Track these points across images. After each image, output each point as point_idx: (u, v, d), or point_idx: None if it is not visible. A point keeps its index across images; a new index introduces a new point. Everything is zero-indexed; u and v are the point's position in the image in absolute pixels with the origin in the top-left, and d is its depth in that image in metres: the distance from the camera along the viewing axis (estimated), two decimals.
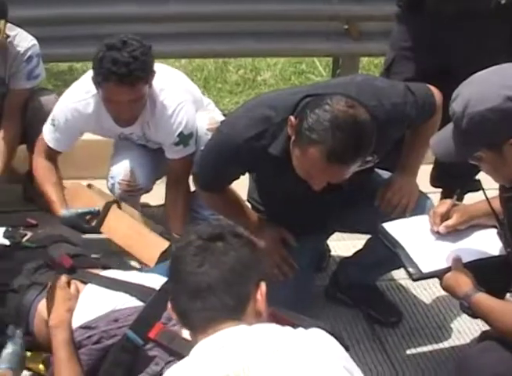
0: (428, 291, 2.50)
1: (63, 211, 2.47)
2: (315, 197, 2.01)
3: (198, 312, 1.29)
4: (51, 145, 2.57)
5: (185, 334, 1.84)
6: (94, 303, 2.00)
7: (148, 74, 2.33)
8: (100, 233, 2.48)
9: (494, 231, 1.95)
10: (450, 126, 1.68)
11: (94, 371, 1.92)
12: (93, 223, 2.48)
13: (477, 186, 2.78)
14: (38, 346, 2.09)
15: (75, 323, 1.97)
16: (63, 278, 2.03)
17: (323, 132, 1.80)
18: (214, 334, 1.26)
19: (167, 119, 2.46)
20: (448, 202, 1.99)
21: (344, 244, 2.62)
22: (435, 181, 2.87)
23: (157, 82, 2.43)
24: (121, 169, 2.58)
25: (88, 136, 2.71)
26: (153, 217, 2.69)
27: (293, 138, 1.92)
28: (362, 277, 2.42)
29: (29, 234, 2.35)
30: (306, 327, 1.81)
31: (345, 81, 2.11)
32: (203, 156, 2.21)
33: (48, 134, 2.57)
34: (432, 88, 2.16)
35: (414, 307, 2.47)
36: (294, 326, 1.46)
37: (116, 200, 2.55)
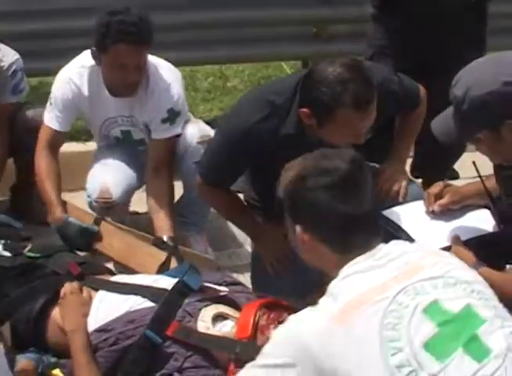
0: None
1: (64, 216, 2.46)
2: None
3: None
4: (51, 125, 2.57)
5: (200, 328, 1.93)
6: (107, 307, 2.03)
7: (152, 37, 2.40)
8: (94, 250, 2.45)
9: (485, 210, 2.07)
10: (450, 110, 1.79)
11: (112, 373, 1.96)
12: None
13: (454, 175, 2.93)
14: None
15: (90, 328, 2.00)
16: (75, 284, 2.06)
17: (337, 93, 1.92)
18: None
19: (159, 93, 2.50)
20: (440, 184, 2.10)
21: None
22: (415, 171, 2.99)
23: (152, 58, 2.50)
24: (97, 187, 2.58)
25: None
26: (142, 224, 2.70)
27: (315, 122, 2.01)
28: None
29: (29, 245, 2.35)
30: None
31: None
32: (211, 151, 2.26)
33: (48, 113, 2.58)
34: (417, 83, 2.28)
35: None
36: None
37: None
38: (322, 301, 1.38)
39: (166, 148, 2.56)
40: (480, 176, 1.97)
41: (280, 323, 1.89)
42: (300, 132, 2.06)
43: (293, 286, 2.31)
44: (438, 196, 2.06)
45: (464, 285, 1.37)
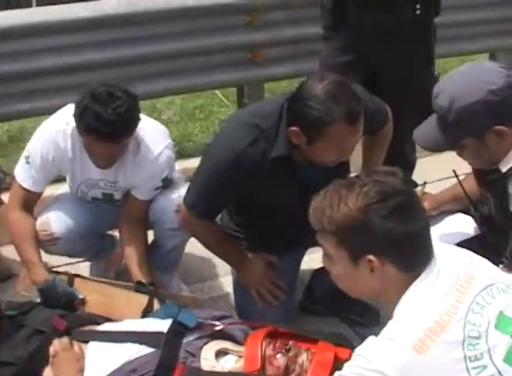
0: None
1: (50, 277, 2.32)
2: (300, 203, 2.09)
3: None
4: (25, 185, 2.40)
5: (204, 366, 1.90)
6: (104, 359, 1.95)
7: (133, 130, 2.25)
8: (75, 309, 2.32)
9: (462, 215, 2.15)
10: (432, 118, 1.85)
11: None
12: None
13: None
14: None
15: None
16: (65, 340, 1.96)
17: (329, 109, 1.93)
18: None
19: (152, 161, 2.38)
20: (418, 190, 2.15)
21: (309, 258, 2.70)
22: None
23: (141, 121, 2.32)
24: (39, 219, 2.46)
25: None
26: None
27: (304, 140, 2.01)
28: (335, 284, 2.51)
29: (2, 303, 2.23)
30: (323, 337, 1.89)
31: None
32: (200, 183, 2.20)
33: (23, 173, 2.41)
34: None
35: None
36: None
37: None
38: (394, 329, 1.38)
39: (145, 207, 2.48)
40: (460, 183, 2.04)
41: (288, 351, 1.89)
42: (289, 154, 2.07)
43: (281, 312, 2.31)
44: None
45: (510, 287, 1.43)
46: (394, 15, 2.56)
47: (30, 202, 2.43)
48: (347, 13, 2.64)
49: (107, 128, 2.15)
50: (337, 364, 1.81)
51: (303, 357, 1.87)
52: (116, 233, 2.71)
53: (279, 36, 3.68)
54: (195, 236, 2.40)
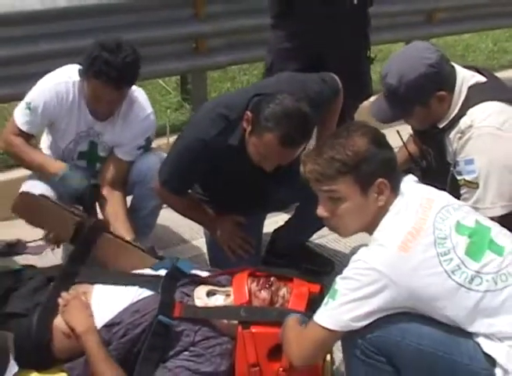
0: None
1: (66, 164, 2.61)
2: (259, 179, 2.43)
3: None
4: (24, 128, 2.65)
5: (198, 304, 2.17)
6: (109, 303, 2.18)
7: (134, 81, 2.55)
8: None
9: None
10: (381, 99, 2.26)
11: (125, 364, 2.10)
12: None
13: None
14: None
15: (97, 325, 2.13)
16: (74, 291, 2.18)
17: (277, 121, 2.23)
18: None
19: (141, 120, 2.68)
20: None
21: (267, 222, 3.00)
22: None
23: (133, 87, 2.63)
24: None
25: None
26: None
27: (249, 129, 2.32)
28: (294, 239, 2.86)
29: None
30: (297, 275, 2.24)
31: (275, 80, 2.59)
32: (172, 162, 2.49)
33: (22, 117, 2.65)
34: (332, 74, 2.69)
35: (345, 257, 2.81)
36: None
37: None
38: (381, 237, 1.76)
39: (126, 168, 2.74)
40: (404, 144, 2.45)
41: (270, 286, 2.20)
42: (240, 146, 2.35)
43: (251, 265, 2.61)
44: None
45: (462, 207, 1.86)
46: (334, 5, 2.92)
47: (25, 139, 2.68)
48: (292, 3, 2.97)
49: (115, 73, 2.43)
50: (312, 295, 2.15)
51: (284, 290, 2.17)
52: None
53: (221, 27, 3.99)
54: (169, 206, 2.69)
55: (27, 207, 2.46)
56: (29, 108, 2.64)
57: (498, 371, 1.71)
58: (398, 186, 1.84)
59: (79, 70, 2.58)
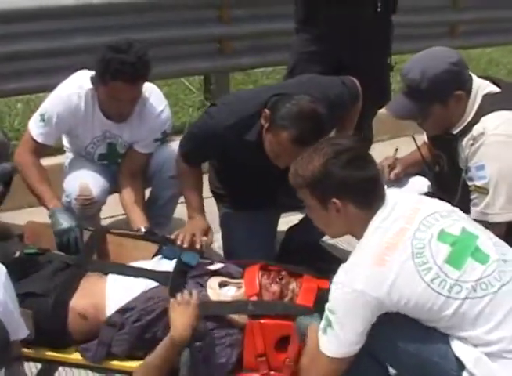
0: None
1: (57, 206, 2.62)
2: (274, 175, 2.49)
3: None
4: (39, 140, 2.72)
5: (211, 294, 2.24)
6: (122, 290, 2.27)
7: (148, 73, 2.63)
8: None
9: (418, 177, 2.62)
10: (401, 95, 2.30)
11: (134, 348, 2.21)
12: None
13: None
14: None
15: (111, 310, 2.23)
16: (194, 299, 2.13)
17: (292, 120, 2.31)
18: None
19: (155, 116, 2.77)
20: (391, 157, 2.62)
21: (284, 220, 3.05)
22: None
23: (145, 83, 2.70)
24: (76, 186, 2.76)
25: None
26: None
27: (266, 126, 2.40)
28: (307, 238, 2.91)
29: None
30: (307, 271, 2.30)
31: (296, 82, 2.67)
32: (186, 138, 2.64)
33: (37, 129, 2.72)
34: (352, 78, 2.75)
35: None
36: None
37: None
38: (357, 256, 1.82)
39: (144, 160, 2.83)
40: (418, 147, 2.51)
41: (281, 280, 2.27)
42: (258, 142, 2.44)
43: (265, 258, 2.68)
44: (391, 167, 2.58)
45: (452, 214, 1.88)
46: (358, 11, 2.99)
47: (40, 152, 2.77)
48: (317, 9, 3.05)
49: (131, 69, 2.53)
50: (320, 291, 2.22)
51: (293, 285, 2.25)
52: None
53: (244, 30, 4.09)
54: (178, 178, 2.75)
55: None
56: (43, 120, 2.71)
57: (465, 375, 1.75)
58: (368, 202, 1.85)
59: (91, 78, 2.65)
